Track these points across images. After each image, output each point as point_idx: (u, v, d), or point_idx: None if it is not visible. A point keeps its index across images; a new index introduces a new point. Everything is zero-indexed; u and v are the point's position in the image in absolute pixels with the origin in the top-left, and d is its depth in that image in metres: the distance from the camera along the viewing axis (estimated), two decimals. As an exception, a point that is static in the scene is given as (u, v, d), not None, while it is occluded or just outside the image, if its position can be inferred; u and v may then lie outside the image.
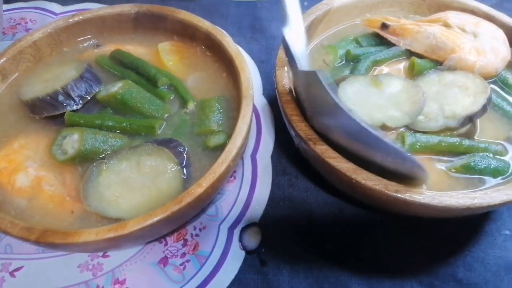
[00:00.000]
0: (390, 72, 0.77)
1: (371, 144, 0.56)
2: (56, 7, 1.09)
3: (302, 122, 0.64)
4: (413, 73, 0.75)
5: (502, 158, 0.66)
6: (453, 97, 0.69)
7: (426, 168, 0.57)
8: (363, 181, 0.57)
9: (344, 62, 0.80)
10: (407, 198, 0.55)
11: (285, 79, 0.70)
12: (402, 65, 0.78)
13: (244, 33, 1.03)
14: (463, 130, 0.68)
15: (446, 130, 0.68)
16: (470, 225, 0.70)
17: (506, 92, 0.74)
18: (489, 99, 0.68)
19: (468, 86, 0.69)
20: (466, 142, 0.66)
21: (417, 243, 0.69)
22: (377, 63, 0.78)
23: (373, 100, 0.69)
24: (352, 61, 0.79)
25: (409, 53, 0.79)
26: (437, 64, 0.75)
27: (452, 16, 0.79)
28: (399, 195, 0.55)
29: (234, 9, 1.09)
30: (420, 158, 0.65)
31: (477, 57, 0.73)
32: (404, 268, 0.66)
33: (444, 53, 0.75)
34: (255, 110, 0.87)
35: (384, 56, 0.79)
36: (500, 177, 0.64)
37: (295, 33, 0.64)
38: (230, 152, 0.60)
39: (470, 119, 0.67)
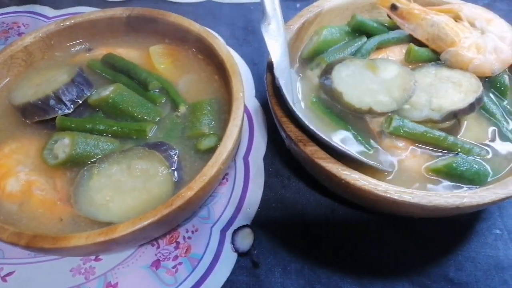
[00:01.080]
0: (388, 57, 0.77)
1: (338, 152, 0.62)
2: (49, 11, 1.09)
3: (292, 124, 0.65)
4: (409, 59, 0.75)
5: (483, 163, 0.65)
6: (444, 91, 0.68)
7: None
8: (352, 182, 0.57)
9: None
10: (396, 198, 0.55)
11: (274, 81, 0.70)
12: (401, 49, 0.78)
13: (237, 35, 1.03)
14: (445, 124, 0.68)
15: (429, 121, 0.68)
16: (461, 224, 0.71)
17: (498, 95, 0.73)
18: (479, 99, 0.68)
19: (462, 84, 0.69)
20: (451, 139, 0.66)
21: (409, 243, 0.69)
22: (382, 44, 0.78)
23: (366, 84, 0.69)
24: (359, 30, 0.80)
25: (412, 39, 0.78)
26: (435, 54, 0.75)
27: (465, 9, 0.77)
28: (388, 195, 0.55)
29: (227, 12, 1.09)
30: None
31: (475, 55, 0.71)
32: (396, 268, 0.67)
33: (444, 45, 0.73)
34: (247, 112, 0.87)
35: (390, 38, 0.79)
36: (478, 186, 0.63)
37: (273, 27, 0.68)
38: (220, 155, 0.60)
39: (454, 115, 0.67)
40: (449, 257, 0.67)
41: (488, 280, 0.65)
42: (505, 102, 0.73)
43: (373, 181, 0.57)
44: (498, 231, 0.70)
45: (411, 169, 0.65)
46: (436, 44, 0.75)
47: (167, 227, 0.65)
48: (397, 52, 0.78)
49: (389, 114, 0.68)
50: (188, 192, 0.57)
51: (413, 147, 0.67)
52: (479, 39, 0.72)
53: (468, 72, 0.71)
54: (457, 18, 0.77)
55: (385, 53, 0.78)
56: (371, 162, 0.62)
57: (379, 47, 0.78)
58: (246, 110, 0.87)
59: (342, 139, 0.68)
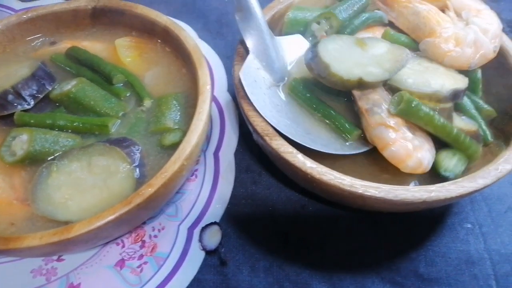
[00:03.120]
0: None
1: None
2: (16, 4, 1.06)
3: (258, 117, 0.63)
4: None
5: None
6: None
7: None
8: (317, 176, 0.56)
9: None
10: (362, 192, 0.54)
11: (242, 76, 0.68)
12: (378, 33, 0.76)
13: (210, 28, 1.01)
14: (449, 105, 0.65)
15: (434, 97, 0.63)
16: (433, 219, 0.70)
17: (469, 91, 0.71)
18: (465, 90, 0.66)
19: (448, 73, 0.68)
20: (455, 131, 0.62)
21: (379, 238, 0.68)
22: (363, 24, 0.76)
23: (355, 58, 0.65)
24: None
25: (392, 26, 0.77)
26: (415, 43, 0.73)
27: None
28: (354, 189, 0.54)
29: (201, 4, 1.07)
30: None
31: (452, 48, 0.68)
32: (366, 264, 0.65)
33: (422, 35, 0.71)
34: (219, 106, 0.85)
35: (377, 17, 0.77)
36: None
37: (246, 12, 0.67)
38: (184, 150, 0.58)
39: (454, 97, 0.64)
40: (419, 252, 0.66)
41: (458, 275, 0.64)
42: (477, 98, 0.72)
43: (339, 175, 0.55)
44: (469, 225, 0.69)
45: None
46: (415, 34, 0.73)
47: (128, 225, 0.62)
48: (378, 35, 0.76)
49: (400, 91, 0.63)
50: (148, 189, 0.54)
51: (405, 128, 0.62)
52: (460, 30, 0.70)
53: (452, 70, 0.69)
54: (445, 7, 0.75)
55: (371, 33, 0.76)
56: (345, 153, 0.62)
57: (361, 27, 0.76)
58: (217, 104, 0.86)
59: (317, 127, 0.67)
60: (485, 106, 0.71)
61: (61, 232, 0.51)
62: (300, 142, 0.61)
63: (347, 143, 0.66)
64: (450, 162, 0.63)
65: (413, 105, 0.61)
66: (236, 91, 0.67)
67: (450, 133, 0.63)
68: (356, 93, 0.65)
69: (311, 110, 0.68)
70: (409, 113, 0.61)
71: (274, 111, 0.65)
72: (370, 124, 0.63)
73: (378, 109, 0.62)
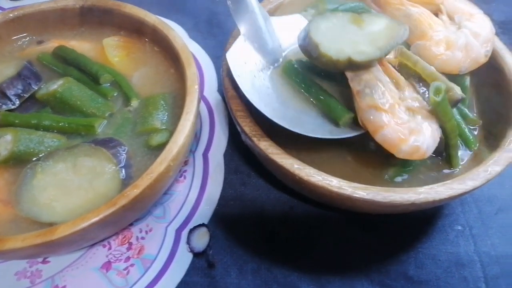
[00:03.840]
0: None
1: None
2: (5, 3, 1.04)
3: (247, 118, 0.62)
4: None
5: None
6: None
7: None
8: (306, 177, 0.55)
9: None
10: (350, 194, 0.53)
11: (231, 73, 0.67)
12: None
13: (200, 28, 1.00)
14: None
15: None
16: (423, 221, 0.69)
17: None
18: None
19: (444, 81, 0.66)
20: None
21: (369, 240, 0.67)
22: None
23: (348, 37, 0.61)
24: None
25: None
26: (404, 46, 0.70)
27: (448, 2, 0.74)
28: (342, 191, 0.54)
29: (191, 4, 1.06)
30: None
31: (443, 51, 0.68)
32: (355, 267, 0.65)
33: (413, 37, 0.70)
34: (209, 107, 0.85)
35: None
36: None
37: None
38: (170, 151, 0.57)
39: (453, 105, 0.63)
40: (409, 254, 0.66)
41: (448, 277, 0.64)
42: (462, 106, 0.71)
43: (327, 176, 0.55)
44: (459, 227, 0.69)
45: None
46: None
47: (114, 227, 0.61)
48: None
49: (436, 83, 0.59)
50: (133, 191, 0.54)
51: (402, 110, 0.60)
52: (452, 34, 0.69)
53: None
54: (438, 11, 0.74)
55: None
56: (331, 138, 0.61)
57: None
58: (207, 104, 0.85)
59: (308, 111, 0.65)
60: (470, 115, 0.71)
61: (44, 234, 0.50)
62: (287, 127, 0.60)
63: (338, 128, 0.63)
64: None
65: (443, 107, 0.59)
66: (225, 90, 0.66)
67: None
68: (348, 74, 0.62)
69: (303, 92, 0.66)
70: (441, 110, 0.59)
71: (264, 95, 0.64)
72: (361, 107, 0.60)
73: (370, 91, 0.59)
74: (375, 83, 0.60)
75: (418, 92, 0.63)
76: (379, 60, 0.62)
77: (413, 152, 0.58)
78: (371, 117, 0.59)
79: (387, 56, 0.63)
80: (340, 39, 0.61)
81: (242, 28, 0.68)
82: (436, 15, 0.73)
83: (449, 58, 0.68)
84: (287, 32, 0.72)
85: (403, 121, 0.59)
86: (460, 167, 0.64)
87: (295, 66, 0.67)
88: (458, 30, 0.70)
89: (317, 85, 0.66)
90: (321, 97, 0.65)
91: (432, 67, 0.64)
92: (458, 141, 0.64)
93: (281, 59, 0.70)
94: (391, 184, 0.63)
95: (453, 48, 0.68)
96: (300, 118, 0.63)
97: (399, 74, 0.63)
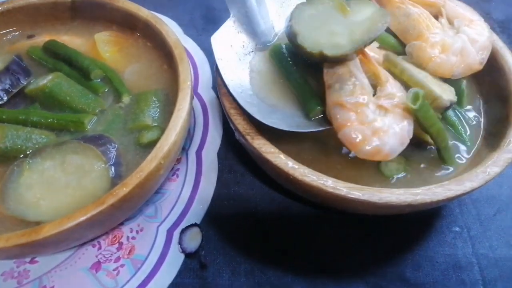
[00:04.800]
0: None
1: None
2: (-4, -3, 1.02)
3: (241, 116, 0.61)
4: None
5: None
6: (432, 82, 0.65)
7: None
8: (300, 177, 0.54)
9: None
10: (345, 194, 0.52)
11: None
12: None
13: (196, 24, 0.99)
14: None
15: (436, 102, 0.62)
16: (420, 222, 0.68)
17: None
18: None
19: (438, 83, 0.66)
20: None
21: (364, 242, 0.66)
22: None
23: (329, 26, 0.59)
24: None
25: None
26: (400, 45, 0.71)
27: (448, 5, 0.73)
28: (337, 191, 0.52)
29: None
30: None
31: (438, 53, 0.67)
32: (350, 269, 0.63)
33: (410, 37, 0.69)
34: (203, 104, 0.83)
35: None
36: None
37: None
38: (161, 148, 0.56)
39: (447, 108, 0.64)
40: (406, 256, 0.64)
41: (446, 280, 0.62)
42: (462, 109, 0.70)
43: (322, 176, 0.53)
44: (457, 229, 0.67)
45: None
46: (403, 36, 0.71)
47: (102, 227, 0.60)
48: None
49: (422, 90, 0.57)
50: (122, 189, 0.52)
51: (370, 108, 0.57)
52: (448, 38, 0.68)
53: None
54: (439, 14, 0.73)
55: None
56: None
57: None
58: (201, 101, 0.83)
59: (286, 100, 0.64)
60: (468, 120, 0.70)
61: (29, 233, 0.49)
62: (252, 114, 0.59)
63: (307, 121, 0.62)
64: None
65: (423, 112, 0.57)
66: (218, 88, 0.65)
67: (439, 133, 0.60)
68: (325, 66, 0.60)
69: (284, 78, 0.65)
70: (421, 114, 0.57)
71: (245, 78, 0.63)
72: (328, 102, 0.59)
73: (339, 86, 0.57)
74: (347, 78, 0.58)
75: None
76: (360, 52, 0.60)
77: (374, 153, 0.56)
78: (336, 115, 0.57)
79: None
80: (319, 30, 0.59)
81: (233, 8, 0.67)
82: (436, 18, 0.72)
83: (443, 61, 0.67)
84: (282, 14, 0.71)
85: (368, 121, 0.56)
86: (459, 166, 0.63)
87: (283, 50, 0.66)
88: (456, 34, 0.69)
89: (298, 73, 0.64)
90: (299, 86, 0.63)
91: (420, 75, 0.63)
92: (449, 143, 0.62)
93: (273, 42, 0.68)
94: (388, 184, 0.61)
95: (448, 51, 0.67)
96: (274, 106, 0.62)
97: (381, 68, 0.62)
